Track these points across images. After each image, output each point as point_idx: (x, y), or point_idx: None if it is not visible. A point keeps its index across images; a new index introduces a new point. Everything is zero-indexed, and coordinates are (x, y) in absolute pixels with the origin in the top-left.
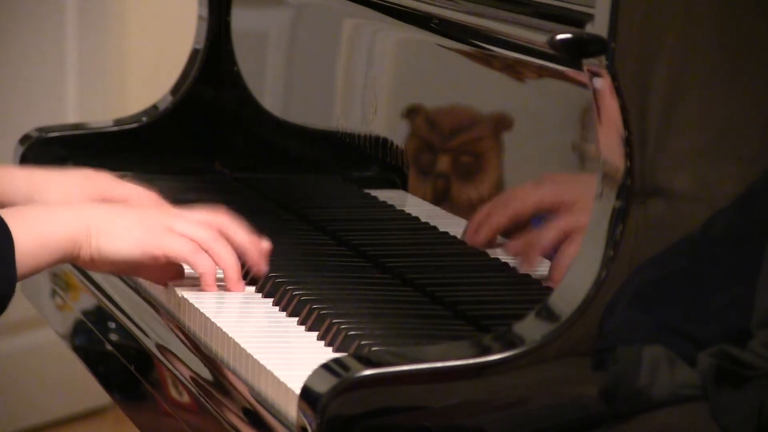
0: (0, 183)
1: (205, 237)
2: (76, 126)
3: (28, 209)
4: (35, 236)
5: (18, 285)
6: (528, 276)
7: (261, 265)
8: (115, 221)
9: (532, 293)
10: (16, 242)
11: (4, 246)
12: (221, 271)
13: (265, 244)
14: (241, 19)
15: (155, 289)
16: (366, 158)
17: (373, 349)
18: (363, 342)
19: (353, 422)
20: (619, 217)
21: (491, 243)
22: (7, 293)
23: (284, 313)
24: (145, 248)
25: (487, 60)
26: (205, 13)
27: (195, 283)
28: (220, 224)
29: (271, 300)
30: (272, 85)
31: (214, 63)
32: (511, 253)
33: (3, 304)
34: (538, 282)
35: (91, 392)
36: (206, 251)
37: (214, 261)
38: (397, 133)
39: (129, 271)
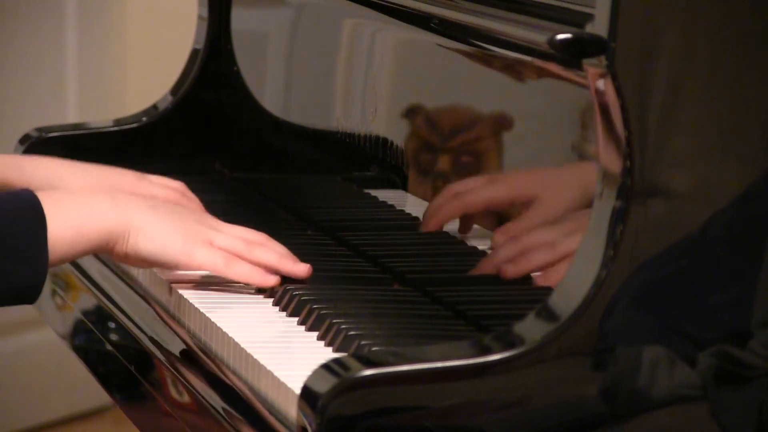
0: (23, 171)
1: (242, 249)
2: (76, 126)
3: (69, 196)
4: (71, 225)
5: None
6: (528, 276)
7: (299, 274)
8: (156, 223)
9: (532, 293)
10: (51, 229)
11: (38, 235)
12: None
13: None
14: (241, 19)
15: (155, 289)
16: (366, 158)
17: (373, 349)
18: (363, 342)
19: (353, 422)
20: (619, 217)
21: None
22: (38, 281)
23: (284, 313)
24: (182, 256)
25: (487, 60)
26: (205, 13)
27: (195, 283)
28: (258, 240)
29: (271, 300)
30: (272, 85)
31: (214, 63)
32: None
33: (34, 292)
34: None
35: (91, 392)
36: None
37: (256, 263)
38: (397, 133)
39: (160, 267)
